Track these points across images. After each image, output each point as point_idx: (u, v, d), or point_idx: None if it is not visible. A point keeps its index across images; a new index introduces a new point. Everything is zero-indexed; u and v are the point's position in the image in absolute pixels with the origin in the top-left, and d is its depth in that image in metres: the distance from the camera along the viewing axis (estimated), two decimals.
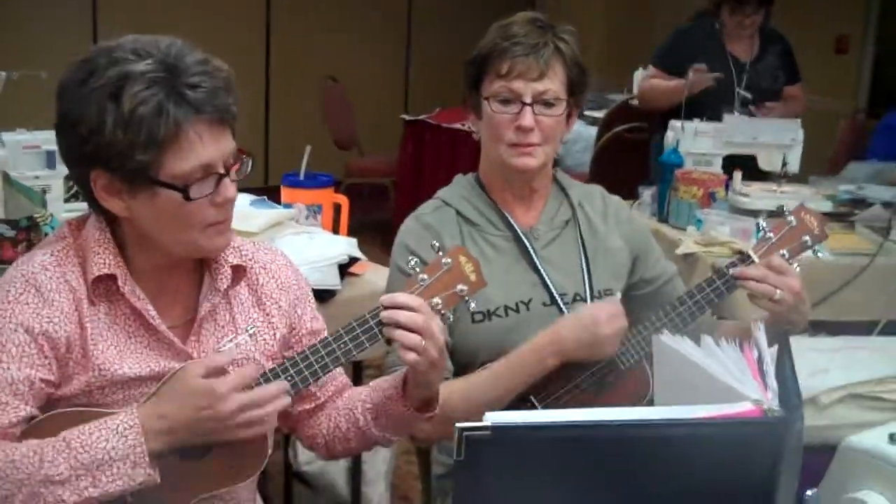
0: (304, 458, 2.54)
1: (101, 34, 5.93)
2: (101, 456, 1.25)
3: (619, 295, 1.71)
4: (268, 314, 1.49)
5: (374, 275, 2.42)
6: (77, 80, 1.28)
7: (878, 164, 3.55)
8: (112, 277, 1.35)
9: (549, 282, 1.73)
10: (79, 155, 1.32)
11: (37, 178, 2.31)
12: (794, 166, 3.22)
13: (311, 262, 2.16)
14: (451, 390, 1.59)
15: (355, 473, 2.49)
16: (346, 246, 2.34)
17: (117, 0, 5.97)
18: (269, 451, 1.41)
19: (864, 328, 2.78)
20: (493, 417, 0.84)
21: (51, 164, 2.34)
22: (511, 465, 0.88)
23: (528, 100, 1.67)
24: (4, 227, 1.94)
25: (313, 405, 1.56)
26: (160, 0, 5.96)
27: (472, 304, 1.45)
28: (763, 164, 3.26)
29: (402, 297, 1.39)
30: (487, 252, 1.74)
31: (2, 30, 5.58)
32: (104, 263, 1.35)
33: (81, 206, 2.34)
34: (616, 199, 1.90)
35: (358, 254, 2.37)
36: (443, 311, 1.42)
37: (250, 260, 1.49)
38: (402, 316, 1.37)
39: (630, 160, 4.31)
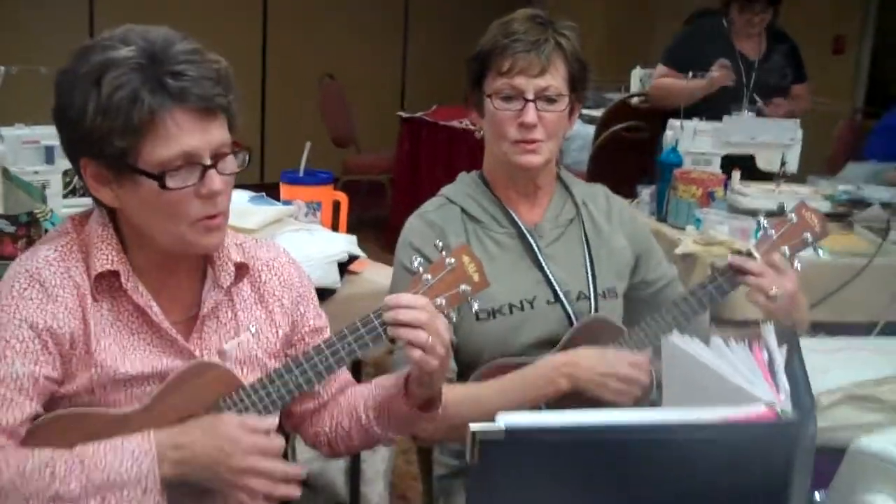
0: (303, 459, 2.53)
1: (97, 29, 5.91)
2: (114, 478, 1.24)
3: (647, 356, 1.65)
4: (270, 312, 1.48)
5: (373, 272, 2.41)
6: (68, 69, 1.29)
7: (877, 165, 3.56)
8: (115, 274, 1.34)
9: (553, 279, 1.73)
10: (68, 143, 1.33)
11: (36, 173, 2.30)
12: (792, 166, 3.22)
13: (311, 259, 2.15)
14: (460, 395, 1.58)
15: (354, 473, 2.48)
16: (345, 243, 2.33)
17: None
18: None
19: (863, 329, 2.78)
20: (506, 419, 0.84)
21: (49, 159, 2.32)
22: (524, 466, 0.87)
23: (530, 96, 1.67)
24: (4, 222, 1.92)
25: (316, 404, 1.55)
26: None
27: (476, 305, 1.44)
28: (762, 163, 3.26)
29: (406, 298, 1.39)
30: (492, 249, 1.73)
31: (1, 25, 5.56)
32: (107, 259, 1.34)
33: (80, 202, 2.34)
34: (619, 198, 1.90)
35: (357, 251, 2.36)
36: (446, 311, 1.42)
37: (253, 257, 1.48)
38: (408, 315, 1.36)
39: (628, 159, 4.31)
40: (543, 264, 1.74)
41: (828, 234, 1.67)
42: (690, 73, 3.61)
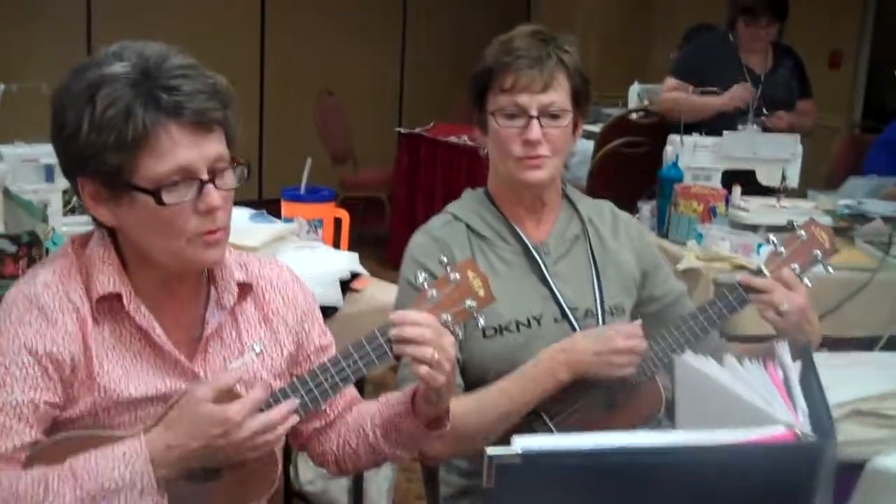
0: (306, 478, 2.52)
1: (95, 46, 5.91)
2: (108, 485, 1.22)
3: (639, 321, 1.69)
4: (275, 331, 1.46)
5: (375, 290, 2.40)
6: (63, 87, 1.28)
7: (877, 180, 3.56)
8: (117, 296, 1.32)
9: (559, 297, 1.72)
10: (65, 162, 1.31)
11: (35, 191, 2.29)
12: (793, 181, 3.23)
13: (313, 277, 2.13)
14: (462, 405, 1.57)
15: (357, 492, 2.46)
16: (347, 261, 2.33)
17: (112, 14, 5.97)
18: (279, 470, 1.39)
19: (865, 344, 2.77)
20: (522, 443, 0.82)
21: (49, 177, 2.31)
22: (541, 490, 0.85)
23: (534, 113, 1.66)
24: (5, 242, 1.90)
25: (323, 423, 1.54)
26: (155, 14, 5.95)
27: (481, 321, 1.43)
28: (762, 178, 3.26)
29: (411, 314, 1.38)
30: (498, 266, 1.72)
31: (1, 43, 5.56)
32: (108, 281, 1.32)
33: (79, 220, 2.33)
34: (626, 214, 1.89)
35: (360, 269, 2.35)
36: (452, 327, 1.41)
37: (256, 276, 1.47)
38: (413, 331, 1.35)
39: (627, 174, 4.30)
40: (550, 281, 1.73)
41: (838, 251, 1.66)
42: (691, 88, 3.64)
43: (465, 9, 7.36)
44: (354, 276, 2.33)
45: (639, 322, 1.66)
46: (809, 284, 1.63)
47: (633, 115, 4.84)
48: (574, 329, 1.70)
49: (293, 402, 1.34)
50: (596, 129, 4.80)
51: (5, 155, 2.34)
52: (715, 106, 3.67)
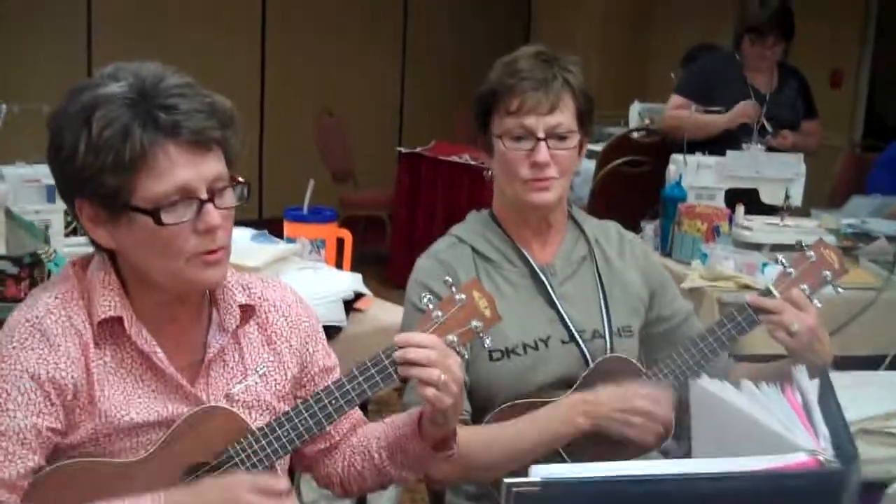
0: (309, 499, 2.49)
1: (95, 66, 5.93)
2: None
3: (669, 390, 1.63)
4: (278, 353, 1.45)
5: (378, 310, 2.39)
6: (59, 109, 1.27)
7: (881, 199, 3.56)
8: (118, 320, 1.30)
9: (567, 318, 1.70)
10: (62, 184, 1.30)
11: (37, 212, 2.28)
12: (796, 200, 3.22)
13: (317, 298, 2.13)
14: (476, 438, 1.55)
15: None
16: (351, 281, 2.31)
17: (112, 35, 5.98)
18: None
19: (869, 363, 2.75)
20: (541, 472, 0.80)
21: (51, 198, 2.30)
22: None
23: (541, 135, 1.65)
24: (7, 264, 1.88)
25: (328, 444, 1.51)
26: (155, 35, 5.96)
27: (488, 341, 1.42)
28: (765, 197, 3.26)
29: (416, 336, 1.37)
30: (504, 289, 1.71)
31: (2, 64, 5.57)
32: (109, 305, 1.30)
33: (81, 241, 2.31)
34: (632, 234, 1.88)
35: (363, 289, 2.34)
36: (458, 348, 1.39)
37: (259, 298, 1.45)
38: (418, 354, 1.34)
39: (629, 193, 4.30)
40: (557, 303, 1.71)
41: (847, 272, 1.65)
42: (694, 107, 3.64)
43: (465, 28, 7.38)
44: (358, 296, 2.32)
45: (668, 391, 1.61)
46: (819, 305, 1.62)
47: (635, 134, 4.84)
48: (581, 351, 1.69)
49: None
50: (597, 147, 4.80)
51: (6, 175, 2.34)
52: (720, 123, 3.67)
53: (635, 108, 5.36)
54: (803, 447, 0.89)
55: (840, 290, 1.65)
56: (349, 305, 2.28)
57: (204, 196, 1.26)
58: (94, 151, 1.22)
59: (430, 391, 1.32)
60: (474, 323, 1.40)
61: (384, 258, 5.67)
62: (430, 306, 1.40)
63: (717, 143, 3.47)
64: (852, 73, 6.11)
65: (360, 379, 1.37)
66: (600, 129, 5.25)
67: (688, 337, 1.70)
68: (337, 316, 2.20)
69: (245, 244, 2.39)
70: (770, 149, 3.56)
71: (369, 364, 1.37)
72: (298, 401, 1.40)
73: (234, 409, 1.36)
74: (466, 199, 5.22)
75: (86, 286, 1.32)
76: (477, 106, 1.72)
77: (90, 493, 1.23)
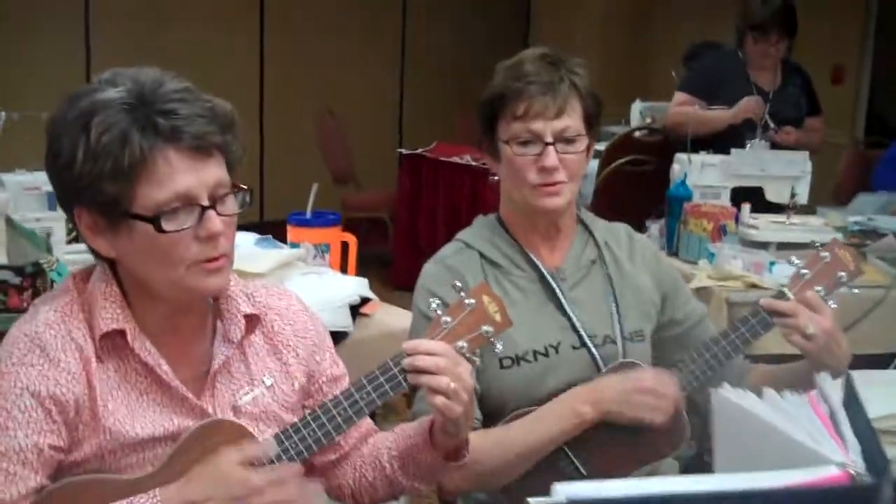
0: None
1: (94, 72, 5.91)
2: None
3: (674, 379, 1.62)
4: (285, 363, 1.42)
5: (384, 314, 2.37)
6: (57, 116, 1.24)
7: (887, 196, 3.54)
8: (120, 333, 1.28)
9: (577, 324, 1.67)
10: (61, 193, 1.28)
11: (38, 220, 2.25)
12: (802, 198, 3.20)
13: (323, 303, 2.10)
14: (483, 442, 1.53)
15: None
16: (356, 286, 2.29)
17: (111, 40, 5.96)
18: None
19: (879, 361, 2.73)
20: (565, 491, 0.78)
21: (52, 205, 2.28)
22: None
23: (549, 139, 1.62)
24: (9, 273, 1.85)
25: (338, 455, 1.49)
26: (154, 41, 5.93)
27: (499, 346, 1.39)
28: (771, 196, 3.25)
29: (425, 343, 1.34)
30: (513, 294, 1.68)
31: (1, 71, 5.54)
32: (111, 318, 1.27)
33: (83, 248, 2.28)
34: (642, 237, 1.85)
35: (369, 293, 2.32)
36: (468, 355, 1.37)
37: (264, 306, 1.42)
38: (427, 361, 1.31)
39: (632, 193, 4.28)
40: (567, 308, 1.69)
41: (863, 273, 1.62)
42: (697, 105, 3.63)
43: (465, 28, 7.36)
44: (364, 300, 2.29)
45: (670, 374, 1.60)
46: (835, 306, 1.59)
47: (637, 133, 4.82)
48: (593, 357, 1.66)
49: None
50: (600, 147, 4.78)
51: (7, 183, 2.31)
52: (724, 119, 3.67)
53: (637, 107, 5.34)
54: (833, 460, 0.86)
55: (855, 290, 1.62)
56: (355, 310, 2.25)
57: (205, 203, 1.24)
58: (92, 158, 1.19)
59: (439, 400, 1.30)
60: (485, 328, 1.37)
61: (386, 260, 5.65)
62: (439, 312, 1.37)
63: (721, 141, 3.46)
64: (853, 70, 6.09)
65: (369, 388, 1.35)
66: (602, 129, 5.23)
67: (701, 341, 1.68)
68: (343, 321, 2.18)
69: (249, 249, 2.38)
70: (774, 145, 3.55)
71: (378, 372, 1.35)
72: (306, 411, 1.38)
73: (241, 422, 1.33)
74: (468, 200, 5.21)
75: (87, 299, 1.30)
76: (482, 111, 1.69)
77: None
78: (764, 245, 3.01)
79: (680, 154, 3.26)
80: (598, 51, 6.83)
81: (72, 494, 1.22)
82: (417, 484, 1.46)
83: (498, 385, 1.64)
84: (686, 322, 1.78)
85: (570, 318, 1.68)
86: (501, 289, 1.68)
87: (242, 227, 2.18)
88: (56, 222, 2.29)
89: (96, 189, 1.21)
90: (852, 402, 0.94)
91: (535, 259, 1.72)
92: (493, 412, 1.64)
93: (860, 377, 2.31)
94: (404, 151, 5.71)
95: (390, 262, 5.61)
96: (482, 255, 1.72)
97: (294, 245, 2.49)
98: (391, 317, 2.35)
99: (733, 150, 3.25)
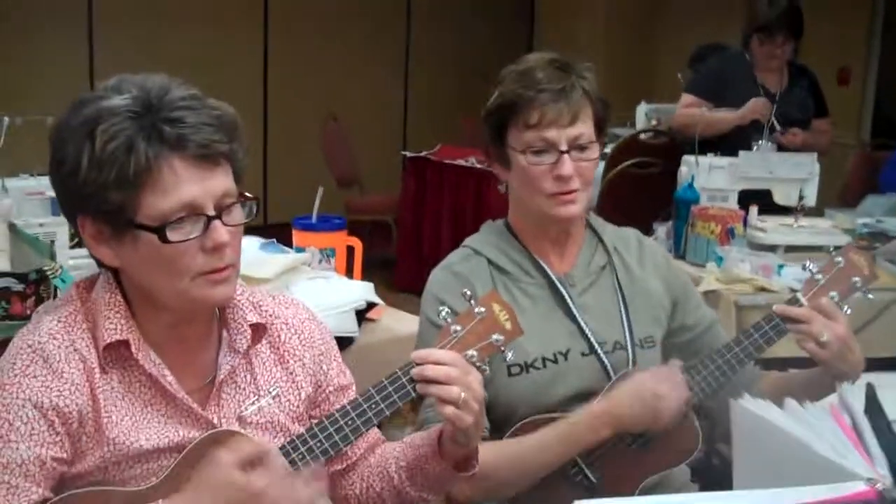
0: None
1: (97, 78, 5.92)
2: None
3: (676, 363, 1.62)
4: (291, 373, 1.40)
5: (391, 320, 2.35)
6: (62, 122, 1.22)
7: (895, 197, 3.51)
8: (125, 343, 1.25)
9: (587, 330, 1.65)
10: (65, 201, 1.26)
11: (41, 225, 2.23)
12: (810, 200, 3.19)
13: (329, 308, 2.09)
14: (498, 454, 1.51)
15: None
16: (362, 291, 2.27)
17: (114, 46, 5.95)
18: None
19: (890, 364, 2.70)
20: None
21: (55, 210, 2.26)
22: None
23: (563, 147, 1.59)
24: (12, 280, 1.83)
25: (345, 465, 1.47)
26: (157, 45, 5.93)
27: (510, 355, 1.37)
28: (779, 198, 3.24)
29: (434, 352, 1.32)
30: (522, 301, 1.66)
31: (4, 74, 5.54)
32: (115, 329, 1.25)
33: (87, 253, 2.27)
34: (652, 242, 1.82)
35: (375, 298, 2.30)
36: (478, 364, 1.34)
37: (271, 315, 1.40)
38: (437, 371, 1.29)
39: (637, 195, 4.26)
40: (576, 315, 1.66)
41: (877, 279, 1.60)
42: (704, 108, 3.62)
43: (469, 30, 7.34)
44: (370, 305, 2.27)
45: (675, 368, 1.59)
46: (850, 311, 1.57)
47: (643, 136, 4.79)
48: (602, 364, 1.64)
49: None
50: (606, 149, 4.76)
51: (10, 188, 2.29)
52: (732, 120, 3.67)
53: (642, 109, 5.32)
54: (859, 475, 0.83)
55: (870, 295, 1.60)
56: (361, 315, 2.23)
57: (211, 212, 1.22)
58: (97, 166, 1.17)
59: (449, 409, 1.27)
60: (495, 337, 1.35)
61: (391, 263, 5.63)
62: (448, 320, 1.35)
63: (728, 143, 3.45)
64: (860, 71, 6.07)
65: (378, 398, 1.33)
66: (608, 131, 5.21)
67: (711, 346, 1.65)
68: (349, 327, 2.16)
69: (254, 254, 2.35)
70: (780, 147, 3.54)
71: (386, 382, 1.33)
72: (313, 421, 1.36)
73: (247, 432, 1.31)
74: (473, 203, 5.19)
75: (90, 309, 1.28)
76: (490, 119, 1.65)
77: None
78: (772, 248, 2.99)
79: (687, 156, 3.24)
80: (602, 53, 6.83)
81: None
82: (426, 494, 1.43)
83: (506, 393, 1.62)
84: (697, 328, 1.76)
85: (579, 325, 1.65)
86: (510, 295, 1.65)
87: (246, 231, 2.17)
88: (60, 228, 2.27)
89: (101, 197, 1.19)
90: (875, 412, 0.91)
91: (544, 265, 1.70)
92: (501, 420, 1.62)
93: (873, 381, 2.29)
94: (408, 154, 5.70)
95: (395, 265, 5.60)
96: (490, 262, 1.69)
97: (299, 249, 2.47)
98: (397, 322, 2.33)
99: (741, 153, 3.24)
